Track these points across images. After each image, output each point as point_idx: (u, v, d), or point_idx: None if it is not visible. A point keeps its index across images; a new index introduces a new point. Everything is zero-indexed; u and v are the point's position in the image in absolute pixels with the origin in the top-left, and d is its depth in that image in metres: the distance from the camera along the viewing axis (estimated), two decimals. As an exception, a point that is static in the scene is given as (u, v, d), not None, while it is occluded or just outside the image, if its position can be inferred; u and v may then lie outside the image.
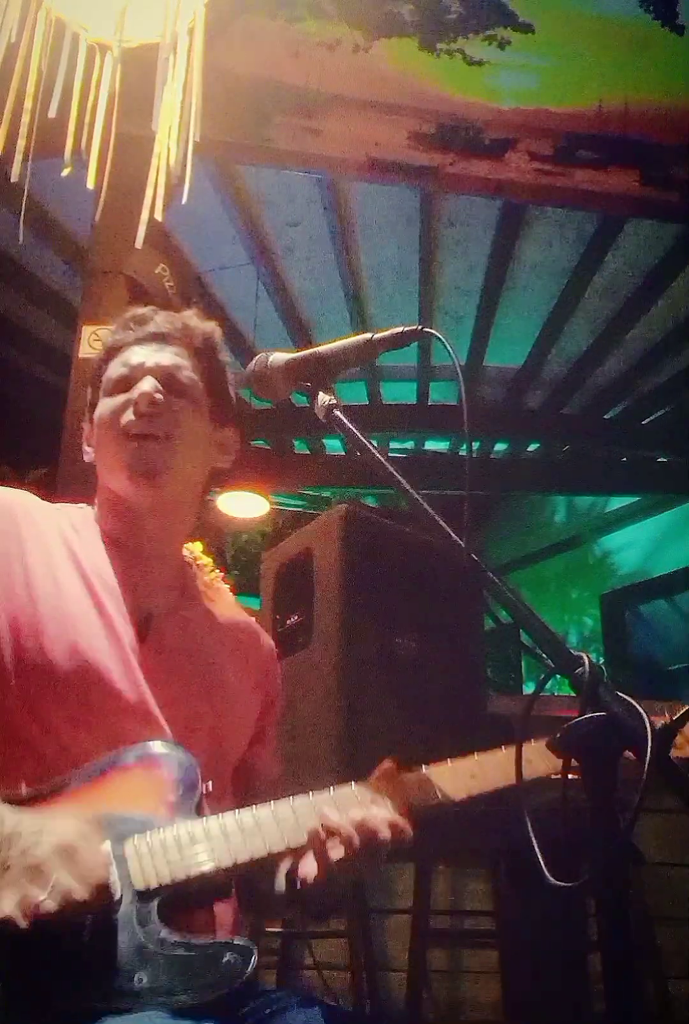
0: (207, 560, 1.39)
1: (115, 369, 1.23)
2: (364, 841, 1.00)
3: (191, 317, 1.30)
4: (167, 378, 1.21)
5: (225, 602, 1.34)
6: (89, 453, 1.26)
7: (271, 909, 1.24)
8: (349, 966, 2.31)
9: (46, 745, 1.04)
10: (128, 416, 1.18)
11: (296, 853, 1.06)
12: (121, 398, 1.20)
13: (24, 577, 1.10)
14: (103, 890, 0.87)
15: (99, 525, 1.24)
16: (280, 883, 1.13)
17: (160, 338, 1.25)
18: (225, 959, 0.90)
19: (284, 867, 1.13)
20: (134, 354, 1.23)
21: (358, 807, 1.04)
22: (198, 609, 1.27)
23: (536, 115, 3.45)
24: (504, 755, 1.12)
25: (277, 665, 1.37)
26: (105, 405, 1.22)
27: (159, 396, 1.19)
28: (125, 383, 1.21)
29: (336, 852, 1.01)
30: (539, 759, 1.09)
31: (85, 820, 0.92)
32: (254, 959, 0.92)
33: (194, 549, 1.33)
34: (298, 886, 1.07)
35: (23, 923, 0.82)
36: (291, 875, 1.10)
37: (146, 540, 1.22)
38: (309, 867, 1.05)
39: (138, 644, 1.13)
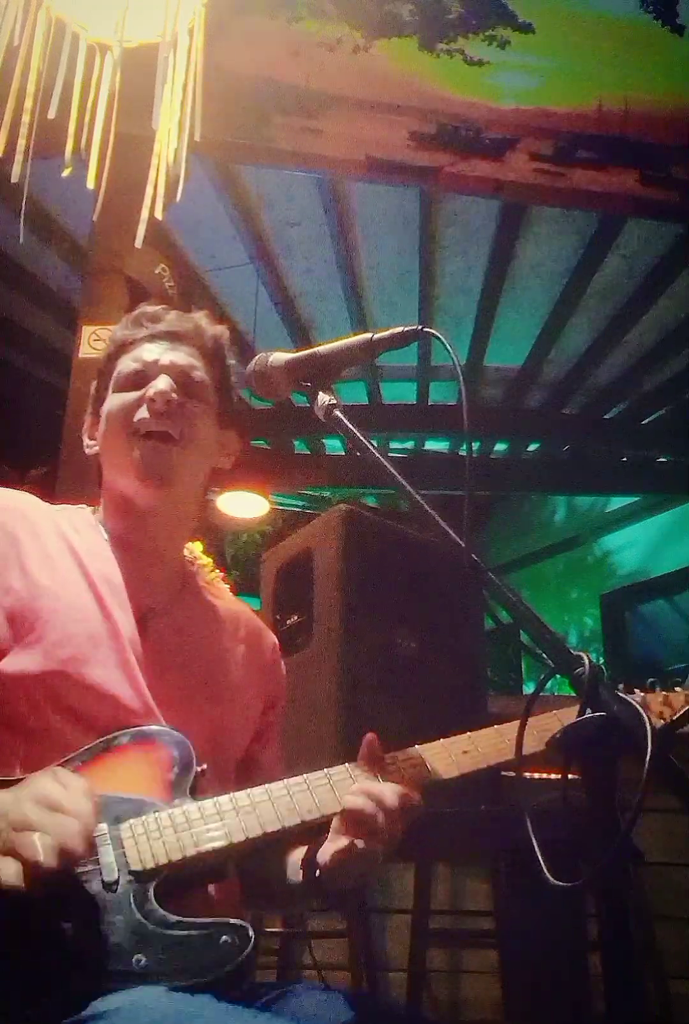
0: (207, 560, 1.39)
1: (126, 365, 1.22)
2: (372, 813, 0.99)
3: (202, 318, 1.29)
4: (182, 378, 1.21)
5: (228, 596, 1.35)
6: (91, 446, 1.25)
7: (286, 901, 1.23)
8: (349, 966, 2.31)
9: (44, 738, 1.03)
10: (142, 414, 1.17)
11: (294, 834, 1.06)
12: (134, 395, 1.19)
13: (23, 572, 1.10)
14: (91, 822, 0.87)
15: (101, 522, 1.24)
16: (295, 873, 1.12)
17: (173, 337, 1.24)
18: (223, 939, 0.91)
19: (297, 855, 1.13)
20: (147, 351, 1.22)
21: (357, 783, 1.04)
22: (199, 606, 1.27)
23: (536, 115, 3.45)
24: (496, 731, 1.12)
25: (281, 662, 1.37)
26: (115, 401, 1.21)
27: (175, 395, 1.18)
28: (138, 379, 1.20)
29: (352, 835, 1.01)
30: (530, 735, 1.09)
31: (58, 763, 0.92)
32: (252, 939, 0.92)
33: (194, 549, 1.33)
34: (317, 873, 1.06)
35: (26, 882, 0.81)
36: (310, 863, 1.09)
37: (149, 538, 1.21)
38: (324, 854, 1.05)
39: (138, 640, 1.13)
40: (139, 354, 1.22)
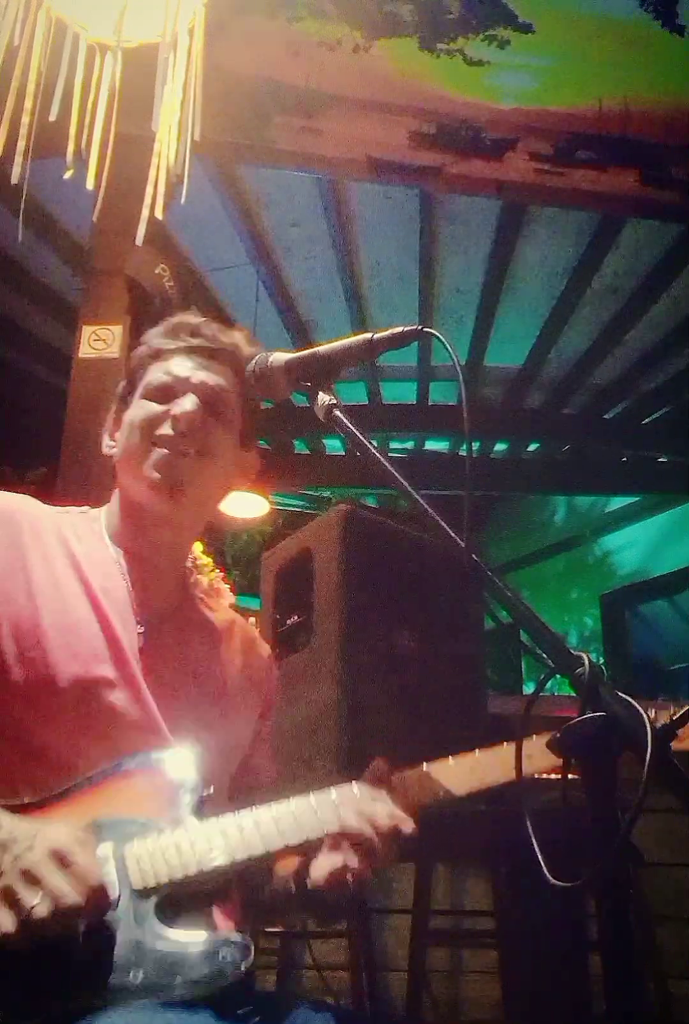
0: (207, 560, 1.39)
1: (156, 375, 1.21)
2: (369, 836, 1.01)
3: (242, 337, 1.27)
4: (210, 398, 1.20)
5: (223, 608, 1.34)
6: (110, 447, 1.24)
7: (277, 912, 1.24)
8: (349, 966, 2.31)
9: (50, 752, 1.03)
10: (164, 429, 1.17)
11: (297, 853, 1.06)
12: (159, 408, 1.18)
13: (26, 586, 1.09)
14: (97, 894, 0.87)
15: (107, 529, 1.23)
16: (287, 886, 1.12)
17: (208, 353, 1.22)
18: (221, 955, 0.91)
19: (289, 867, 1.13)
20: (179, 365, 1.21)
21: (358, 804, 1.04)
22: (197, 616, 1.27)
23: (536, 115, 3.45)
24: (504, 751, 1.12)
25: (274, 670, 1.38)
26: (141, 408, 1.20)
27: (199, 417, 1.17)
28: (165, 392, 1.19)
29: (348, 853, 1.02)
30: (539, 755, 1.08)
31: (81, 827, 0.92)
32: (250, 955, 0.92)
33: (194, 549, 1.33)
34: (308, 886, 1.08)
35: (14, 933, 0.82)
36: (301, 877, 1.10)
37: (155, 550, 1.21)
38: (318, 869, 1.05)
39: (139, 652, 1.12)
40: (170, 367, 1.21)
